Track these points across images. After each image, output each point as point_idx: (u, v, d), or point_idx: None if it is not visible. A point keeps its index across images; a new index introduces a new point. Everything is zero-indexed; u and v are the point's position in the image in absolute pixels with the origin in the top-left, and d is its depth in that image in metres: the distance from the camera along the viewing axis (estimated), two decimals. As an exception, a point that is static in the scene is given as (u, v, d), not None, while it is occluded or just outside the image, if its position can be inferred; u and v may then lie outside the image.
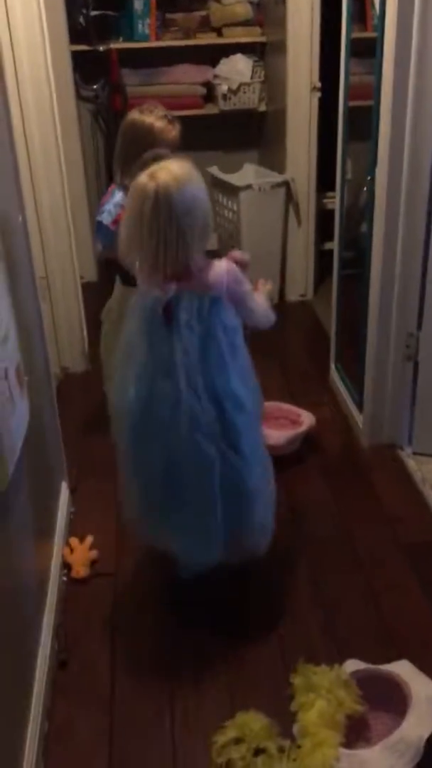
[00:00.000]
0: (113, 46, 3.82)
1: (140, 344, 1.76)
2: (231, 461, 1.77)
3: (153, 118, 2.24)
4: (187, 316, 1.68)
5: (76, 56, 3.75)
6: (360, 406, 2.66)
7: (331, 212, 2.98)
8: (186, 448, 1.75)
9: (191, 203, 1.61)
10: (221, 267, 1.70)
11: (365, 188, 2.46)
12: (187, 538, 1.84)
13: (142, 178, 1.62)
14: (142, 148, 2.06)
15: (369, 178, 2.35)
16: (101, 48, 3.81)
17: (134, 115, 2.28)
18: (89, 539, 2.18)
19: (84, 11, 3.74)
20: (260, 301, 1.83)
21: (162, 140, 2.19)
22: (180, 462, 1.77)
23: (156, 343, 1.72)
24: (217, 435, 1.74)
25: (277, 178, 3.64)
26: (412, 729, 1.50)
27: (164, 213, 1.59)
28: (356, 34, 2.58)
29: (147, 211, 1.59)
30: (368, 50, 2.27)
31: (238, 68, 3.90)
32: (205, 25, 3.90)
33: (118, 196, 2.26)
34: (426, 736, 1.48)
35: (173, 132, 2.25)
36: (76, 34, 3.75)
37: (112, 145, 4.03)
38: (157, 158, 1.72)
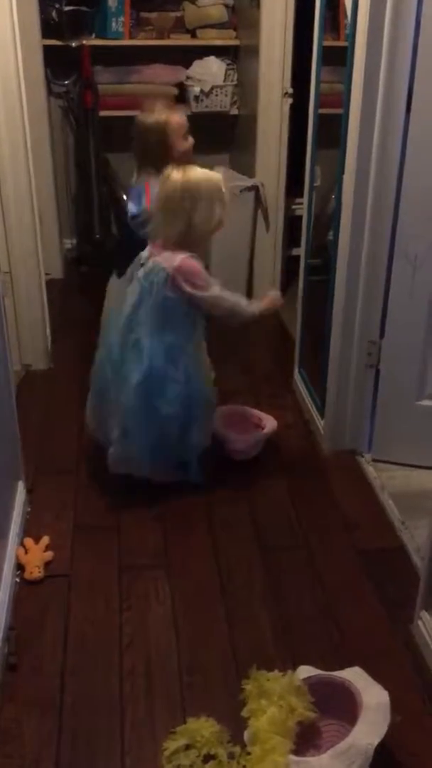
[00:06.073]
0: (86, 42, 3.79)
1: None
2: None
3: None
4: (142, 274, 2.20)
5: (48, 51, 3.71)
6: (322, 411, 2.67)
7: (300, 218, 2.98)
8: None
9: (177, 203, 2.13)
10: (178, 257, 2.14)
11: (333, 196, 2.47)
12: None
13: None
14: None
15: (337, 185, 2.36)
16: (74, 44, 3.77)
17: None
18: (45, 540, 2.15)
19: (57, 6, 3.71)
20: (227, 296, 2.20)
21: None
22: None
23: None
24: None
25: (247, 182, 3.64)
26: (362, 736, 1.49)
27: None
28: (329, 43, 2.59)
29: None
30: (340, 59, 2.28)
31: (211, 70, 3.89)
32: (180, 25, 3.89)
33: None
34: (376, 743, 1.48)
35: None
36: (48, 28, 3.71)
37: (82, 141, 4.03)
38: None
